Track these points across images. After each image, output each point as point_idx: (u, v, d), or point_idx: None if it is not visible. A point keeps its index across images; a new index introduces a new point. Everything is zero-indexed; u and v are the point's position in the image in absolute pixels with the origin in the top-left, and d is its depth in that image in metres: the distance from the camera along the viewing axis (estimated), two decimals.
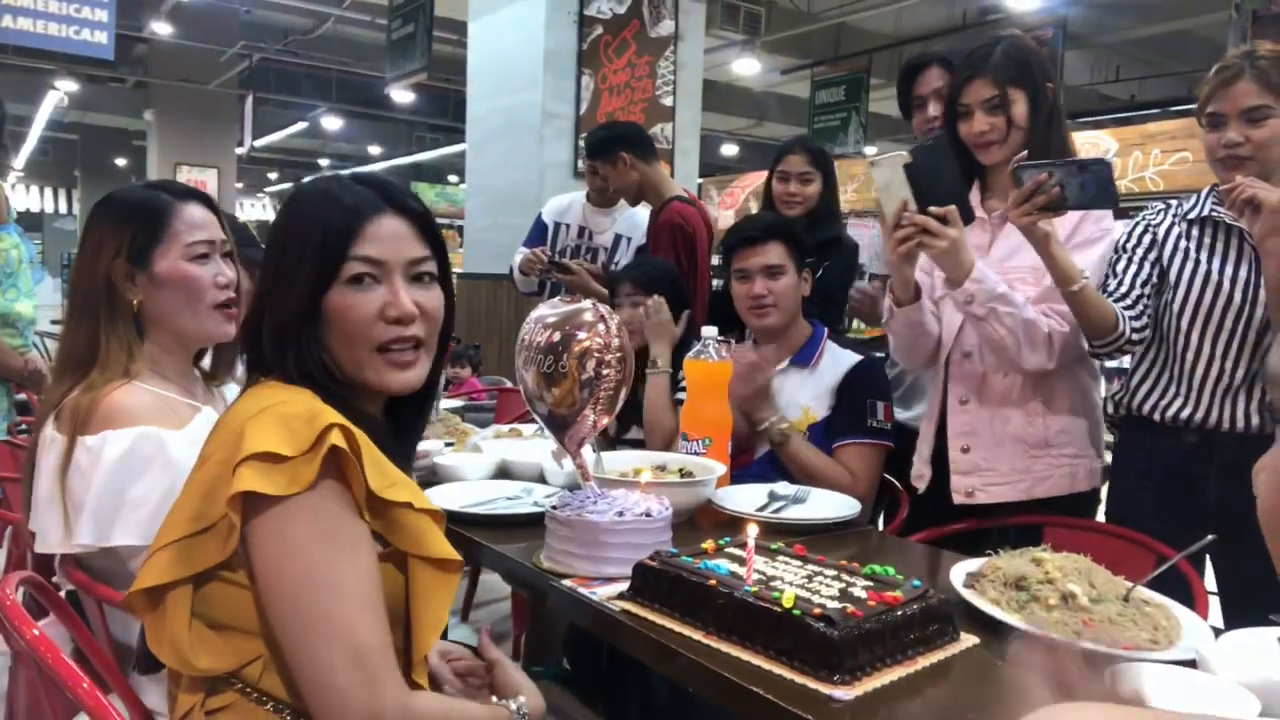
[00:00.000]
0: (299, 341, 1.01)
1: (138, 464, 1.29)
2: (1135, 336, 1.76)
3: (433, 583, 0.99)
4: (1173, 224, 1.83)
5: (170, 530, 0.94)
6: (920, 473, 1.96)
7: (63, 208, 25.19)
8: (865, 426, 2.00)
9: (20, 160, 20.70)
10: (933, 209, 1.66)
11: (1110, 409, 1.99)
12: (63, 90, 12.41)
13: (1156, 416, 1.80)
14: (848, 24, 10.11)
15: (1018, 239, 1.74)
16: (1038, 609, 1.16)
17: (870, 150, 11.43)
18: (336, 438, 0.91)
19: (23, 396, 3.92)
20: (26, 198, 24.93)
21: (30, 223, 24.59)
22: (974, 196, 1.86)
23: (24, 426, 3.66)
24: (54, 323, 8.51)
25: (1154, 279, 1.82)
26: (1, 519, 2.96)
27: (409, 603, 0.99)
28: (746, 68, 10.13)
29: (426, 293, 1.06)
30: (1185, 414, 1.76)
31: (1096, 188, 1.60)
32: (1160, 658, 1.06)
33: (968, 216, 1.70)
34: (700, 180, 9.56)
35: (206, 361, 1.56)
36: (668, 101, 5.18)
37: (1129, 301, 1.78)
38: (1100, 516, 1.97)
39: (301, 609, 0.89)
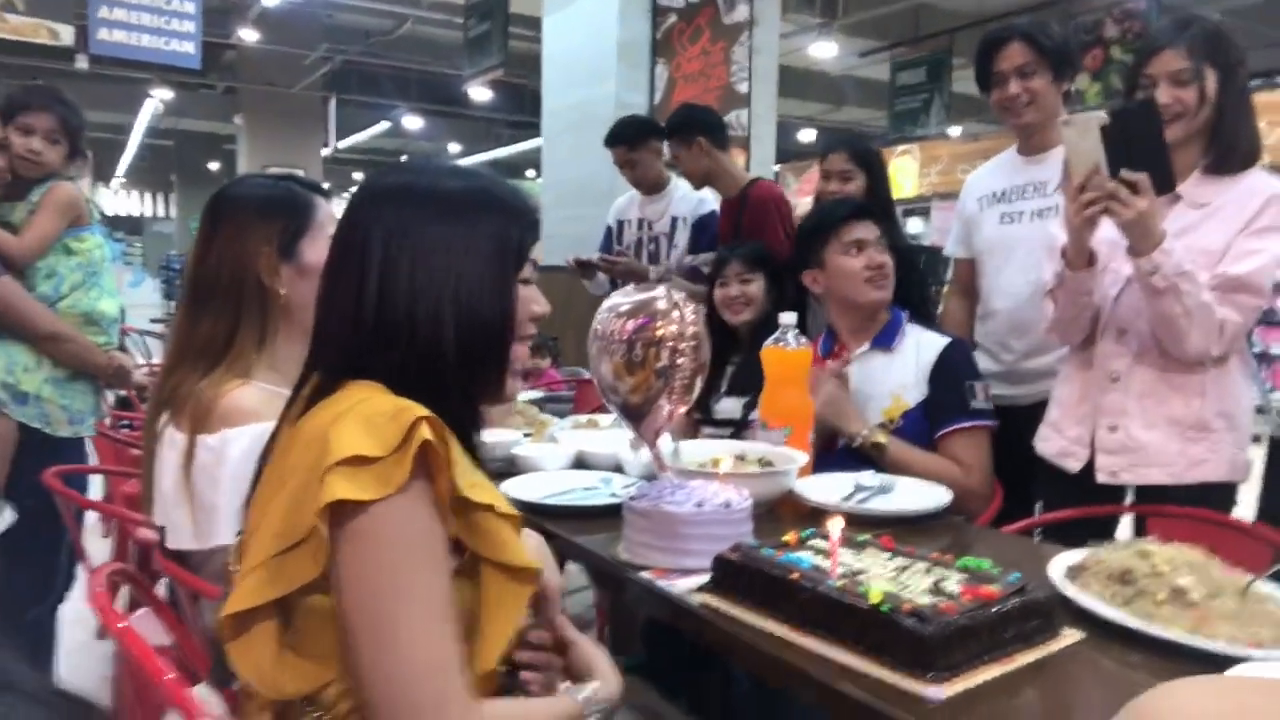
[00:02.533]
0: (497, 336, 0.99)
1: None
2: None
3: (505, 593, 0.95)
4: None
5: (259, 550, 0.90)
6: (1070, 452, 1.87)
7: (160, 211, 26.27)
8: (968, 409, 1.91)
9: (122, 167, 21.64)
10: (1125, 175, 1.58)
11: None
12: (158, 98, 12.92)
13: None
14: (927, 3, 9.85)
15: (1193, 218, 1.67)
16: (1146, 604, 1.09)
17: (954, 131, 11.13)
18: (426, 431, 0.87)
19: (124, 393, 4.08)
20: (127, 202, 26.08)
21: (131, 226, 25.73)
22: None
23: (126, 421, 3.82)
24: (154, 321, 8.88)
25: None
26: (102, 511, 3.09)
27: (478, 614, 0.95)
28: (823, 51, 9.95)
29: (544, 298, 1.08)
30: None
31: None
32: None
33: (1167, 185, 1.61)
34: (777, 167, 9.43)
35: None
36: (743, 88, 5.09)
37: None
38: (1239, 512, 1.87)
39: (374, 617, 0.85)
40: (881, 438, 1.88)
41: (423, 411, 0.88)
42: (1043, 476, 1.96)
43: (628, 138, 3.42)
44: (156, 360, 6.65)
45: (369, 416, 0.88)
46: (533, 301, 1.04)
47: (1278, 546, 1.51)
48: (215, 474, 1.30)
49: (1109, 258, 1.77)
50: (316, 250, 1.43)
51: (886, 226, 2.14)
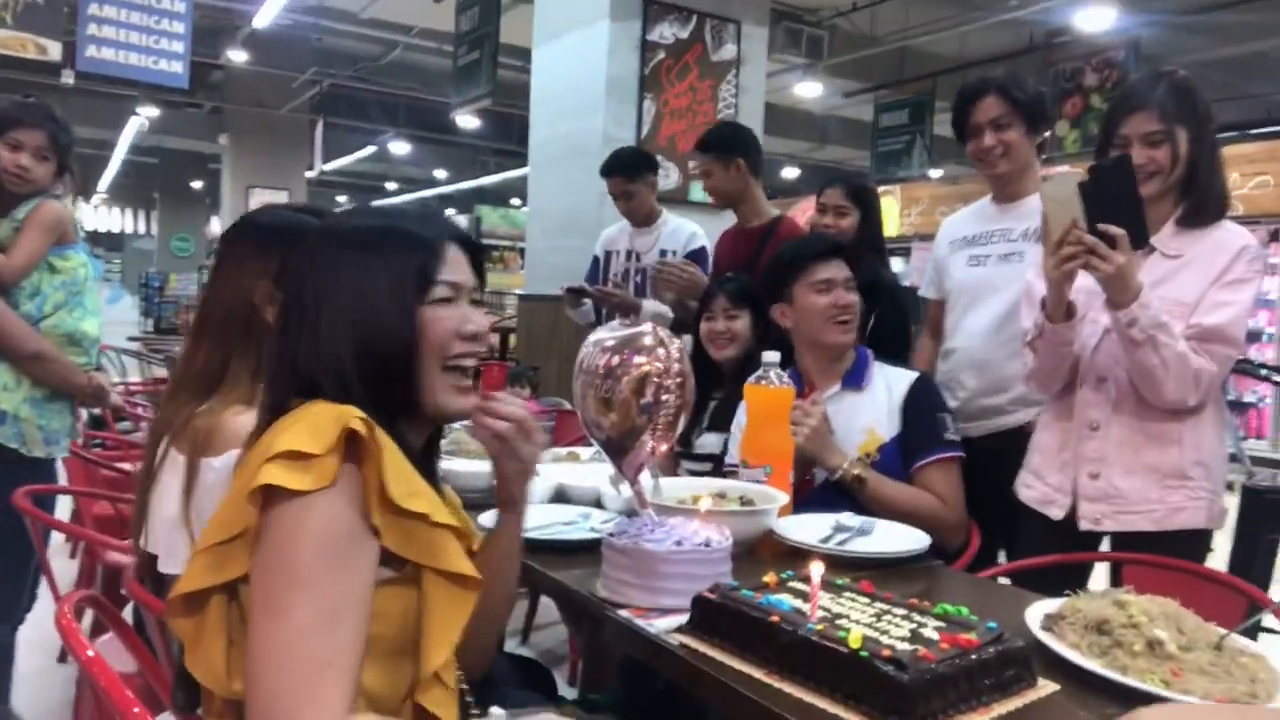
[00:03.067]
0: (397, 359, 1.03)
1: None
2: None
3: (447, 598, 0.97)
4: None
5: (204, 538, 0.93)
6: (1051, 499, 1.89)
7: (141, 228, 26.09)
8: (942, 440, 1.96)
9: (104, 183, 21.51)
10: (1103, 228, 1.62)
11: None
12: (144, 116, 12.88)
13: None
14: (911, 47, 10.01)
15: (1167, 269, 1.72)
16: (1121, 655, 1.09)
17: (935, 173, 11.28)
18: (357, 424, 0.92)
19: (97, 411, 4.03)
20: (109, 218, 25.89)
21: (111, 243, 25.54)
22: None
23: (99, 441, 3.77)
24: (131, 339, 8.79)
25: None
26: (73, 534, 3.04)
27: (422, 622, 0.97)
28: (809, 91, 10.07)
29: (484, 317, 1.11)
30: None
31: None
32: None
33: (1142, 239, 1.66)
34: None
35: None
36: None
37: None
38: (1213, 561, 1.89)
39: (269, 600, 0.87)
40: (861, 470, 1.90)
41: (364, 415, 0.94)
42: (1024, 522, 1.97)
43: (627, 168, 3.44)
44: (133, 379, 6.58)
45: (313, 419, 0.93)
46: (465, 321, 1.08)
47: (1252, 599, 1.52)
48: (217, 494, 1.28)
49: (1087, 306, 1.80)
50: None
51: (871, 264, 2.17)
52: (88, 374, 2.44)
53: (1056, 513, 1.88)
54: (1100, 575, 1.93)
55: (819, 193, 2.85)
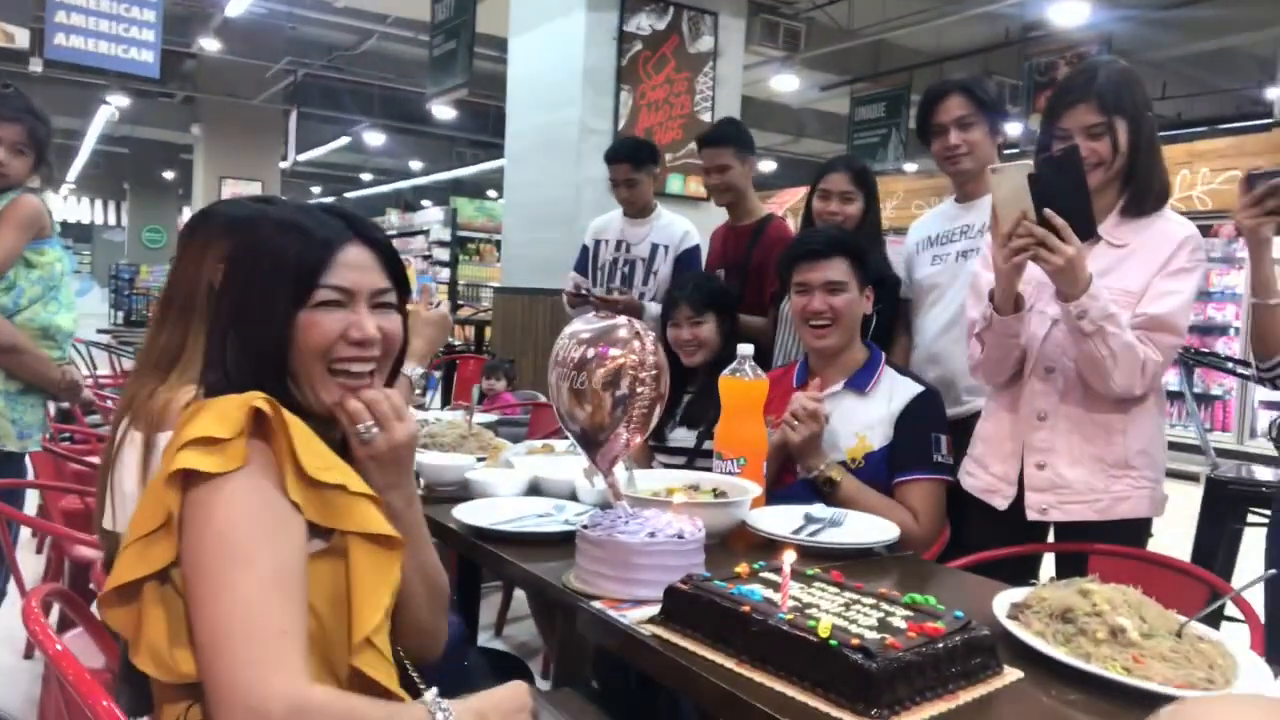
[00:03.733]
0: (268, 359, 1.05)
1: None
2: None
3: (372, 561, 0.99)
4: None
5: (129, 534, 0.94)
6: (995, 489, 1.90)
7: (111, 219, 25.75)
8: (930, 461, 1.93)
9: (73, 173, 21.21)
10: (1050, 217, 1.62)
11: (1274, 433, 1.95)
12: (114, 105, 12.70)
13: None
14: (888, 40, 10.07)
15: (1113, 258, 1.73)
16: (1085, 643, 1.11)
17: (910, 166, 11.35)
18: (261, 403, 0.94)
19: (65, 405, 3.98)
20: (77, 209, 25.53)
21: (80, 234, 25.20)
22: None
23: (67, 435, 3.73)
24: (101, 331, 8.70)
25: None
26: (41, 528, 3.01)
27: (350, 589, 0.99)
28: (785, 84, 10.11)
29: (388, 318, 1.11)
30: None
31: None
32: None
33: (1090, 230, 1.66)
34: None
35: None
36: (706, 117, 5.16)
37: None
38: (1156, 546, 1.91)
39: (209, 580, 0.89)
40: (836, 474, 1.89)
41: (267, 397, 0.97)
42: (969, 511, 1.97)
43: (633, 157, 3.38)
44: (102, 372, 6.51)
45: (220, 405, 0.95)
46: (351, 326, 1.07)
47: (1213, 587, 1.55)
48: None
49: (1035, 297, 1.82)
50: None
51: (871, 255, 2.14)
52: (61, 368, 2.42)
53: (1000, 502, 1.88)
54: (1049, 565, 1.95)
55: (818, 177, 2.71)
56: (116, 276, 17.05)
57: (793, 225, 3.35)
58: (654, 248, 3.40)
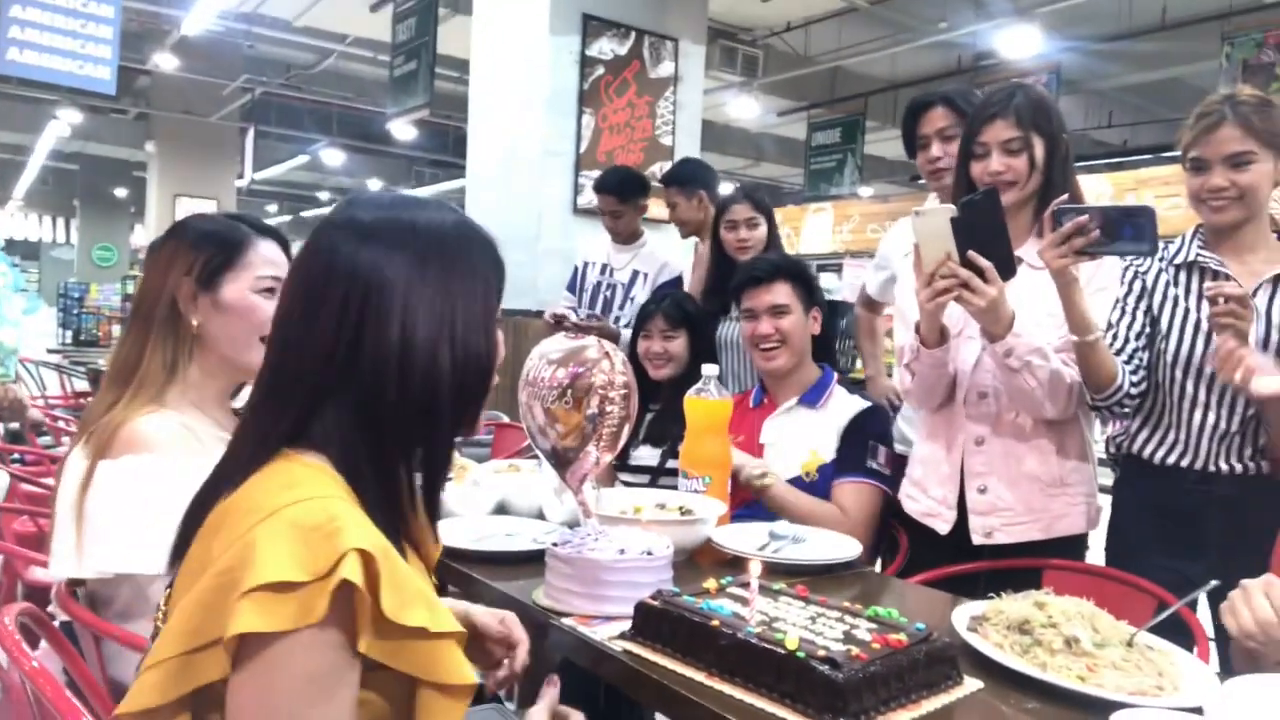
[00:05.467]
0: (480, 379, 0.99)
1: (156, 490, 1.28)
2: (1133, 391, 1.77)
3: (437, 709, 0.87)
4: (1160, 270, 1.85)
5: (164, 647, 0.81)
6: (935, 512, 1.92)
7: (60, 237, 25.21)
8: (863, 466, 2.02)
9: (20, 189, 20.77)
10: (974, 258, 1.64)
11: (1111, 449, 2.00)
12: (65, 120, 12.48)
13: (1156, 461, 1.81)
14: (843, 67, 10.25)
15: (1035, 280, 1.76)
16: (1041, 653, 1.15)
17: (865, 191, 11.54)
18: (351, 570, 0.79)
19: (15, 426, 3.89)
20: (25, 225, 24.96)
21: (28, 251, 24.60)
22: None
23: (17, 455, 3.65)
24: (50, 351, 8.50)
25: (1146, 329, 1.84)
26: None
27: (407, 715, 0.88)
28: (744, 109, 10.24)
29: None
30: (1185, 462, 1.78)
31: (1136, 235, 1.62)
32: (1167, 704, 1.05)
33: (1010, 270, 1.68)
34: None
35: (240, 399, 1.56)
36: (667, 141, 5.22)
37: (1125, 355, 1.80)
38: (1092, 558, 1.96)
39: None
40: (769, 480, 1.94)
41: (357, 537, 0.81)
42: (915, 536, 1.99)
43: (619, 190, 3.49)
44: (51, 392, 6.37)
45: (298, 524, 0.81)
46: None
47: (1159, 600, 1.60)
48: (112, 498, 1.28)
49: (964, 322, 1.84)
50: (238, 288, 1.45)
51: (804, 286, 2.20)
52: (4, 386, 2.37)
53: (943, 526, 1.91)
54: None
55: (720, 212, 2.90)
56: (66, 295, 16.66)
57: None
58: (634, 274, 3.50)
